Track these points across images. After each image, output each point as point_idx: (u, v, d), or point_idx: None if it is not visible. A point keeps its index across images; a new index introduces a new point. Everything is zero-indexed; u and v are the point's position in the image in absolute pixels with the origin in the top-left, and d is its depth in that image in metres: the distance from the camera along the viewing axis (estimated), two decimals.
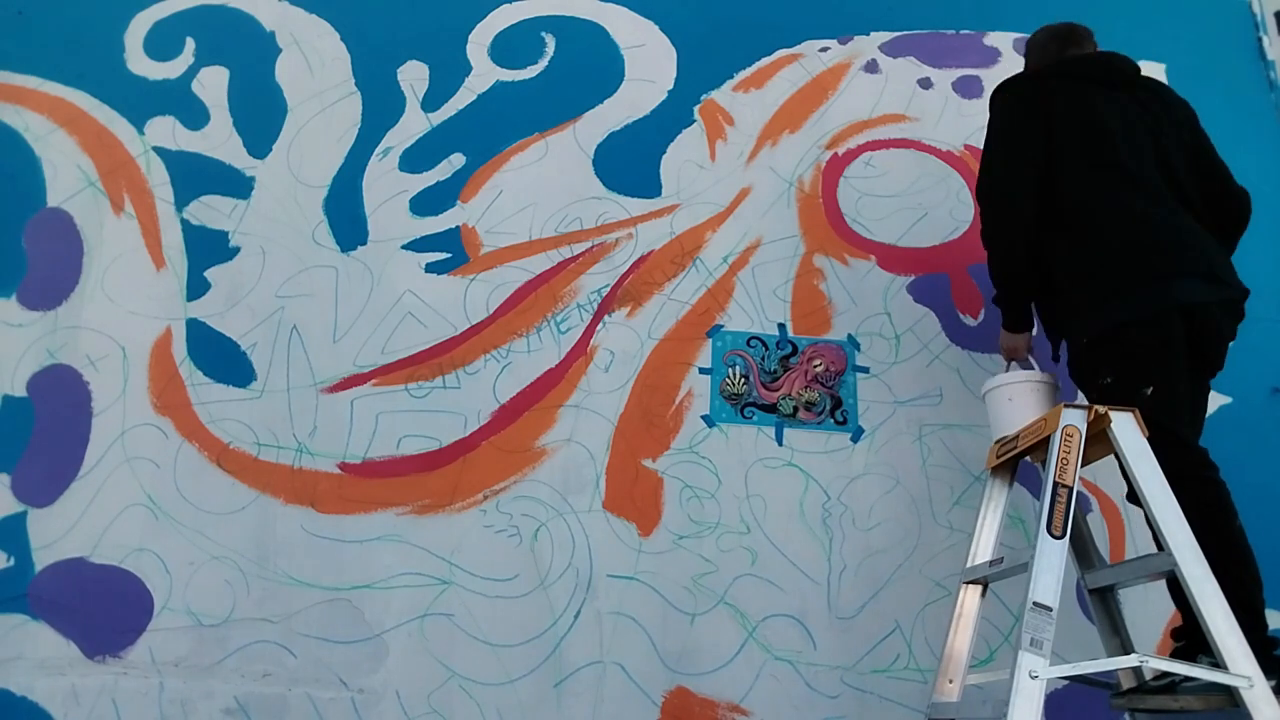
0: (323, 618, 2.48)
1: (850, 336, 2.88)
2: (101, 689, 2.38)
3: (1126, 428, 1.97)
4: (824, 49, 3.30)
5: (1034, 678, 1.72)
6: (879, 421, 2.78)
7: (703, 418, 2.75)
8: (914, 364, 2.87)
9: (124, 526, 2.53)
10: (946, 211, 3.09)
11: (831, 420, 2.78)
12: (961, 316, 2.95)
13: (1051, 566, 1.82)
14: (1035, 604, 1.79)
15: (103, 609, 2.46)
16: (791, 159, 3.11)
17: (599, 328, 2.83)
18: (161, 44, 3.12)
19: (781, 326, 2.88)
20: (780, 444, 2.74)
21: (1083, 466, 2.10)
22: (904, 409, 2.81)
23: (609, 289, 2.88)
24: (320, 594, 2.50)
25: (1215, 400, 2.79)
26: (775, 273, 2.94)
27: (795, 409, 2.78)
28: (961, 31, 3.41)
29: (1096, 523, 2.71)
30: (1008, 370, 2.46)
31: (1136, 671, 2.08)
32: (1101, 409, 1.99)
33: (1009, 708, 1.69)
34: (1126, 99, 2.32)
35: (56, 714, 2.36)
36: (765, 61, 3.25)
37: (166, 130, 3.00)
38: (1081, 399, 2.24)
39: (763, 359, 2.83)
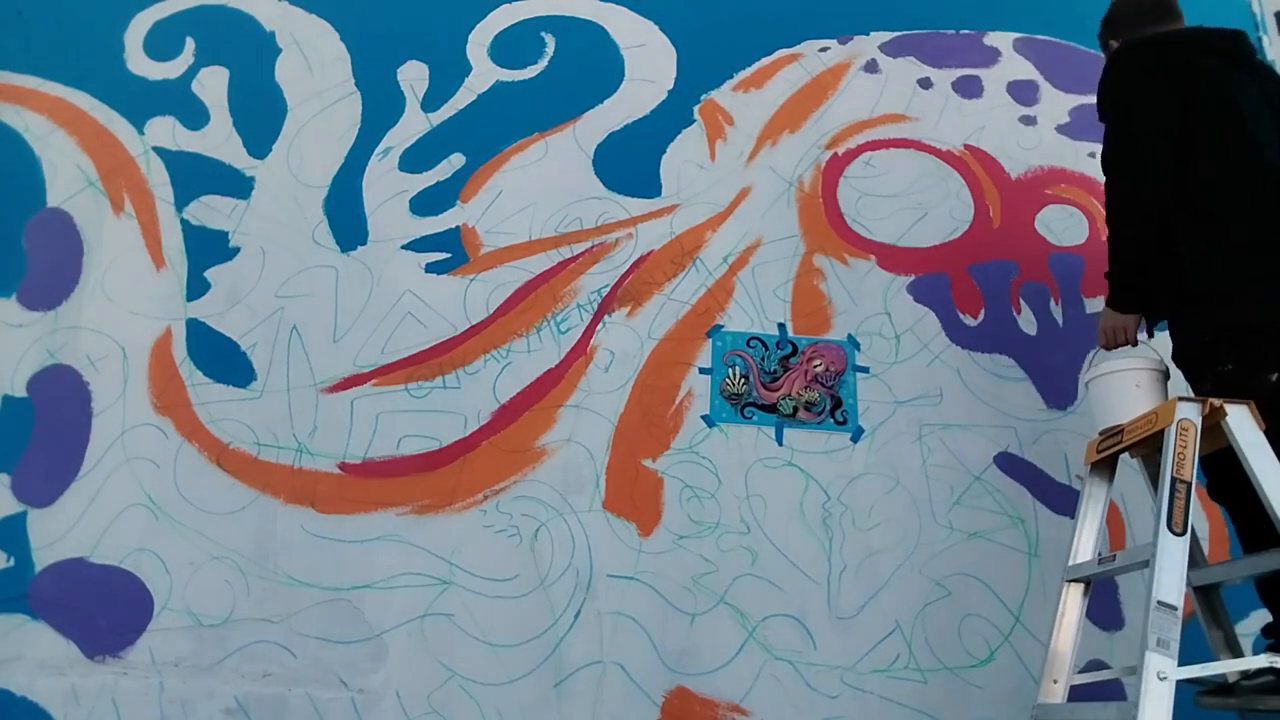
0: (323, 618, 2.48)
1: (850, 336, 2.88)
2: (101, 689, 2.38)
3: (1242, 421, 1.90)
4: (824, 49, 3.30)
5: (1163, 679, 1.68)
6: (879, 421, 2.78)
7: (703, 418, 2.75)
8: (914, 364, 2.87)
9: (124, 526, 2.53)
10: (946, 211, 3.09)
11: (831, 420, 2.78)
12: (961, 316, 2.95)
13: (1174, 564, 1.77)
14: (1159, 603, 1.74)
15: (103, 609, 2.45)
16: (791, 159, 3.11)
17: (599, 328, 2.83)
18: (161, 44, 3.11)
19: (781, 326, 2.88)
20: (780, 444, 2.74)
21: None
22: (904, 409, 2.80)
23: (609, 289, 2.88)
24: (320, 594, 2.50)
25: None
26: (775, 273, 2.94)
27: (795, 409, 2.78)
28: (961, 31, 3.41)
29: None
30: (1097, 355, 2.35)
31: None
32: (1217, 402, 1.92)
33: (1138, 711, 1.65)
34: (1249, 79, 2.24)
35: (56, 714, 2.36)
36: (765, 61, 3.25)
37: (166, 130, 3.00)
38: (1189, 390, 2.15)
39: (763, 359, 2.83)
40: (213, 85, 3.07)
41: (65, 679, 2.38)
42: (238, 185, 2.94)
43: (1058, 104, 3.28)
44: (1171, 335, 2.18)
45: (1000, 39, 3.40)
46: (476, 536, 2.58)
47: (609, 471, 2.67)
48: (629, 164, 3.05)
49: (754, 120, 3.16)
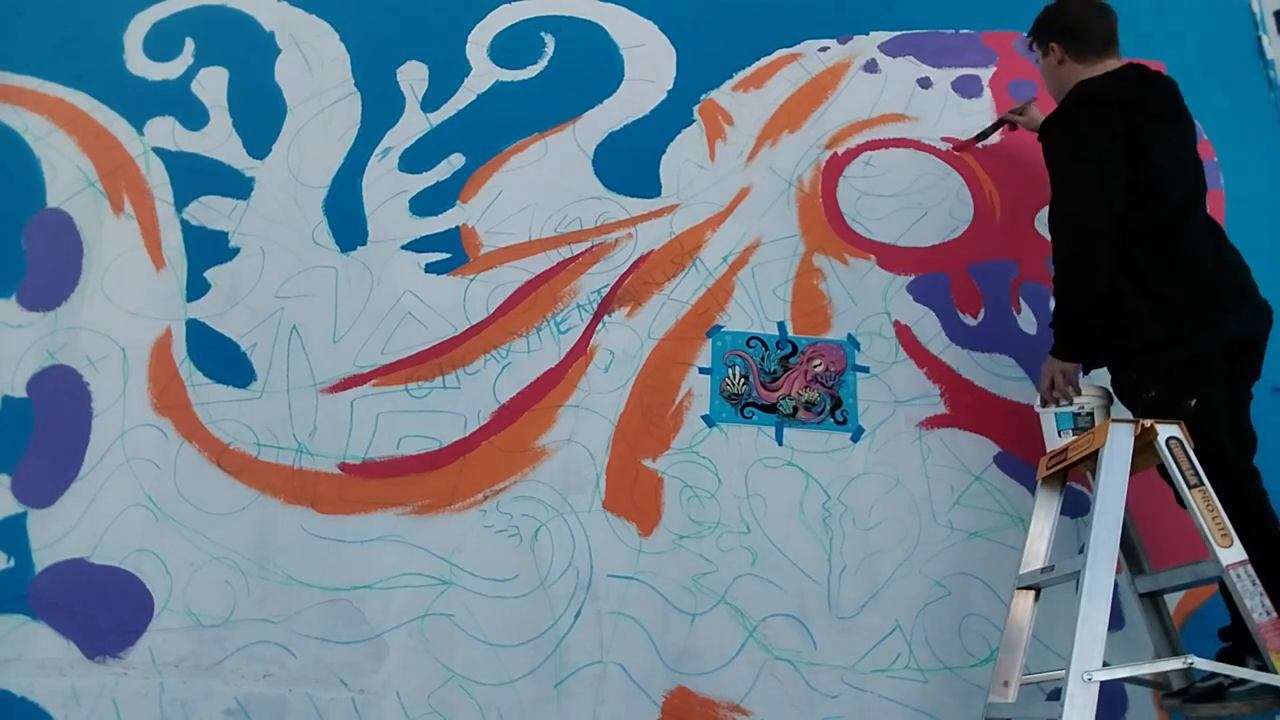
0: (323, 618, 2.48)
1: (850, 336, 2.88)
2: (102, 690, 2.38)
3: (1172, 439, 2.04)
4: (823, 49, 3.30)
5: (1088, 680, 1.78)
6: (879, 421, 2.78)
7: (703, 418, 2.75)
8: (914, 364, 2.87)
9: (124, 527, 2.53)
10: (946, 211, 3.09)
11: (831, 420, 2.78)
12: (961, 316, 2.95)
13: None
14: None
15: (103, 609, 2.45)
16: (791, 159, 3.11)
17: (599, 328, 2.83)
18: (161, 44, 3.11)
19: (781, 326, 2.88)
20: (780, 444, 2.74)
21: (1130, 475, 2.15)
22: (904, 409, 2.80)
23: (609, 289, 2.88)
24: (320, 594, 2.50)
25: None
26: (775, 272, 2.94)
27: (795, 409, 2.78)
28: (961, 31, 3.40)
29: None
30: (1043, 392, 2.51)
31: (1186, 673, 2.11)
32: (1148, 422, 2.04)
33: (1063, 709, 1.76)
34: (1174, 133, 2.38)
35: (57, 715, 2.36)
36: (765, 61, 3.25)
37: (166, 131, 3.00)
38: (1128, 413, 2.31)
39: (762, 359, 2.83)
40: (212, 86, 3.07)
41: (65, 679, 2.38)
42: (237, 185, 2.94)
43: None
44: (1110, 370, 2.43)
45: (1000, 38, 3.39)
46: (476, 536, 2.58)
47: (609, 471, 2.67)
48: (629, 164, 3.04)
49: (754, 120, 3.16)
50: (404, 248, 2.89)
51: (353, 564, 2.53)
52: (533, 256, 2.91)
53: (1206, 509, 1.94)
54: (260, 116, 3.03)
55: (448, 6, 3.24)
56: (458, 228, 2.93)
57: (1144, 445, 2.05)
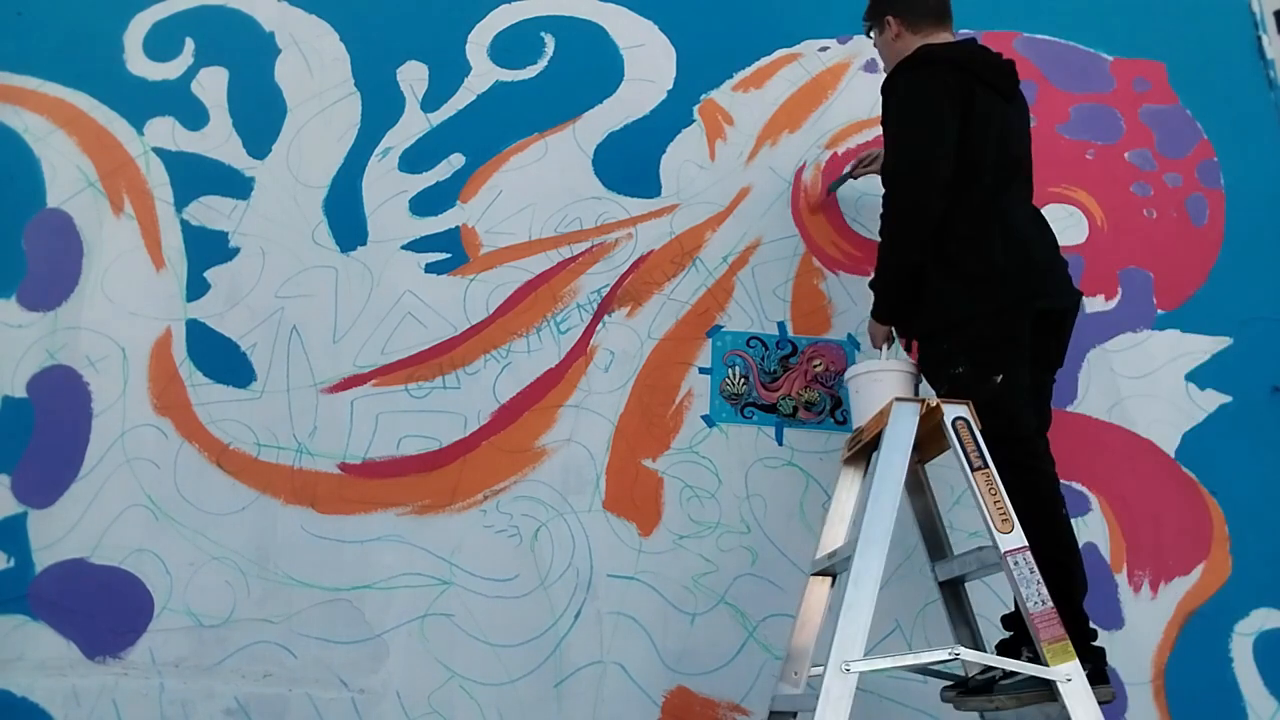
0: (323, 618, 2.49)
1: (850, 336, 2.88)
2: (102, 690, 2.38)
3: (959, 420, 1.94)
4: (823, 48, 3.29)
5: (846, 670, 1.73)
6: None
7: (703, 418, 2.75)
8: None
9: (124, 527, 2.54)
10: None
11: (831, 420, 2.78)
12: None
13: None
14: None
15: (103, 610, 2.46)
16: (791, 158, 3.11)
17: (599, 328, 2.83)
18: (161, 44, 3.11)
19: (781, 326, 2.88)
20: (780, 444, 2.74)
21: (923, 461, 2.16)
22: None
23: (609, 289, 2.88)
24: (320, 594, 2.50)
25: (1215, 399, 2.82)
26: (775, 272, 2.94)
27: (795, 409, 2.78)
28: (960, 31, 3.40)
29: (1096, 522, 2.71)
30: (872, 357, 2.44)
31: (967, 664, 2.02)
32: (934, 402, 1.96)
33: (819, 698, 1.70)
34: (1013, 111, 2.34)
35: (57, 715, 2.36)
36: (765, 61, 3.25)
37: (166, 131, 3.00)
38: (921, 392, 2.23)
39: (762, 359, 2.83)
40: (212, 86, 3.07)
41: (66, 680, 2.38)
42: (237, 185, 2.94)
43: (1057, 103, 3.28)
44: (919, 345, 2.29)
45: (1000, 39, 3.39)
46: (477, 536, 2.58)
47: (609, 471, 2.67)
48: (629, 164, 3.04)
49: (754, 120, 3.16)
50: (404, 248, 2.89)
51: (353, 564, 2.53)
52: (533, 256, 2.91)
53: (989, 492, 1.85)
54: (260, 116, 3.03)
55: (448, 6, 3.23)
56: (458, 228, 2.93)
57: (936, 427, 1.96)
